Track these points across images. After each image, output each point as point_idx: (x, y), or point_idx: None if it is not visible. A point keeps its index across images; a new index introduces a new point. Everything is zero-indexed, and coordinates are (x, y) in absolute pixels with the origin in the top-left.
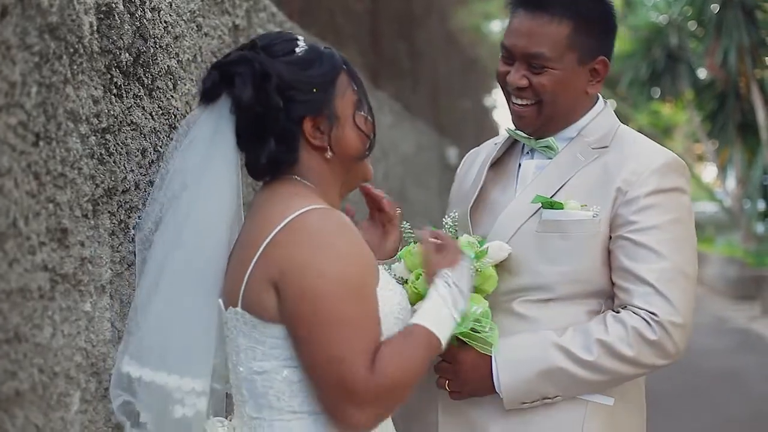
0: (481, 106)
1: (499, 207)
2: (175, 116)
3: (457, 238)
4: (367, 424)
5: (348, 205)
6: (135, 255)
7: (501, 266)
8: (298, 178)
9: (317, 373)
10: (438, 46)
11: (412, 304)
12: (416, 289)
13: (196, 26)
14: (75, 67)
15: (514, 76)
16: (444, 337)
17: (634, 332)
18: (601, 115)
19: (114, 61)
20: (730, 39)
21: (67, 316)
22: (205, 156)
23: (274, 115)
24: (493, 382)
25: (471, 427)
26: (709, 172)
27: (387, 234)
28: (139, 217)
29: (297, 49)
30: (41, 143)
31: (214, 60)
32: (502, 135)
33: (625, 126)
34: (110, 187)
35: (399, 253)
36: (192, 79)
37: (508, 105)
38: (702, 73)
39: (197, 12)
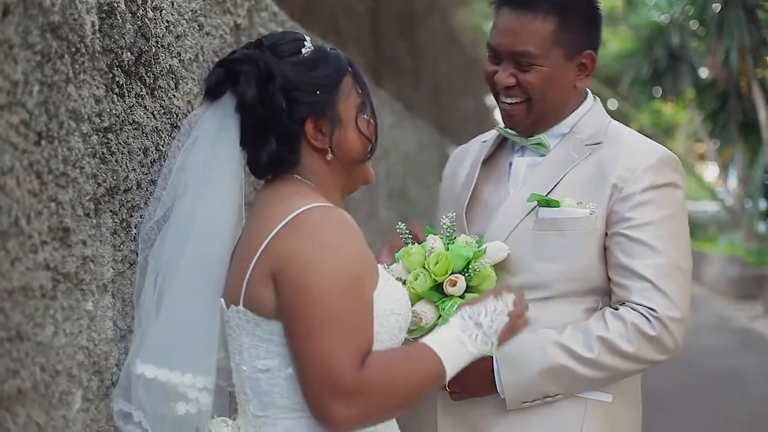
0: (482, 106)
1: (492, 206)
2: (177, 115)
3: (454, 238)
4: (347, 422)
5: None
6: (137, 254)
7: (499, 266)
8: (300, 178)
9: (305, 366)
10: (439, 46)
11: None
12: (414, 290)
13: (198, 25)
14: (77, 66)
15: (502, 75)
16: (450, 362)
17: (633, 328)
18: (592, 111)
19: (116, 61)
20: (731, 38)
21: (68, 314)
22: (210, 154)
23: (276, 115)
24: (494, 383)
25: (471, 427)
26: (710, 172)
27: None
28: (141, 216)
29: (303, 50)
30: (43, 142)
31: (216, 59)
32: (491, 132)
33: (616, 122)
34: (112, 186)
35: (397, 254)
36: (194, 79)
37: (498, 104)
38: (703, 73)
39: (199, 11)
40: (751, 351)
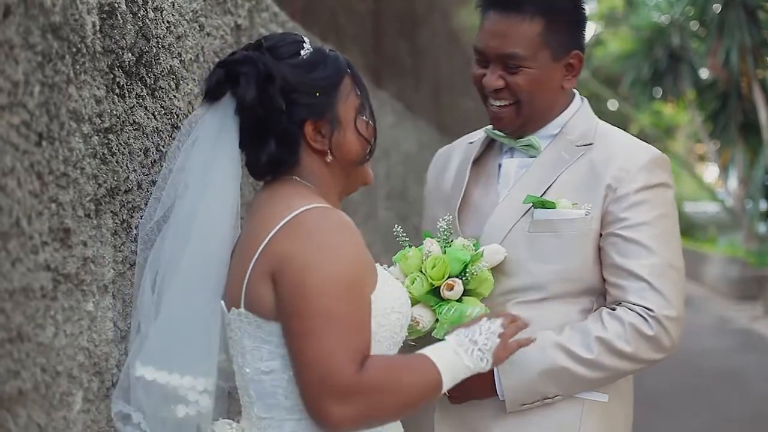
0: (483, 106)
1: (483, 208)
2: (178, 116)
3: (451, 241)
4: (345, 422)
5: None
6: (137, 254)
7: (495, 268)
8: (299, 179)
9: (304, 367)
10: (440, 45)
11: None
12: (411, 293)
13: (199, 26)
14: (78, 66)
15: (490, 78)
16: (446, 373)
17: (631, 328)
18: (580, 111)
19: (117, 61)
20: (732, 39)
21: (69, 315)
22: (209, 155)
23: (276, 117)
24: (493, 385)
25: (470, 430)
26: (710, 173)
27: None
28: (141, 216)
29: (302, 52)
30: (44, 143)
31: (217, 60)
32: (477, 133)
33: (603, 122)
34: (113, 186)
35: (394, 257)
36: (194, 79)
37: (486, 107)
38: (704, 73)
39: (199, 12)
40: (751, 352)
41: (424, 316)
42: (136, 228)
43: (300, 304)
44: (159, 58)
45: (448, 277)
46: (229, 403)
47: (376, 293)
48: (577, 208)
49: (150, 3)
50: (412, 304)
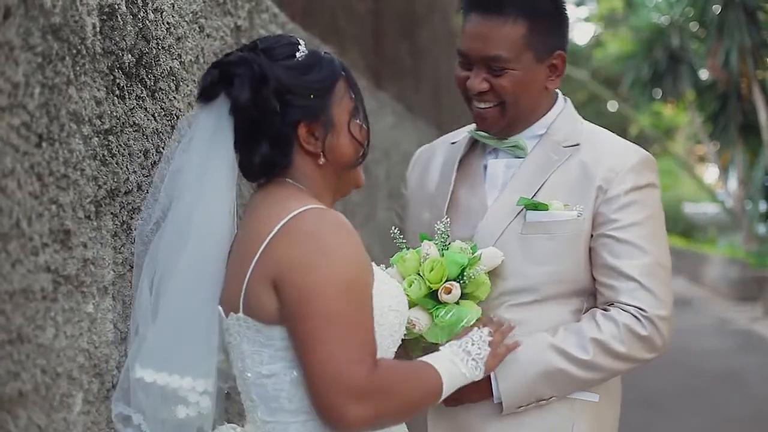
0: None
1: (471, 209)
2: (178, 117)
3: (449, 244)
4: (358, 422)
5: None
6: (135, 256)
7: (491, 271)
8: (291, 181)
9: (316, 369)
10: (440, 46)
11: None
12: (408, 295)
13: (199, 27)
14: (78, 68)
15: (474, 80)
16: (445, 379)
17: (625, 329)
18: (565, 112)
19: (117, 63)
20: (731, 40)
21: (69, 317)
22: (205, 156)
23: (269, 118)
24: (489, 388)
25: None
26: (710, 174)
27: None
28: (141, 218)
29: (297, 54)
30: (44, 144)
31: None
32: (459, 133)
33: (588, 122)
34: (113, 188)
35: (391, 259)
36: (194, 81)
37: (470, 108)
38: (703, 74)
39: (199, 13)
40: (751, 352)
41: (420, 319)
42: (135, 230)
43: (308, 307)
44: (159, 60)
45: (446, 281)
46: (227, 403)
47: (374, 292)
48: (569, 209)
49: (150, 4)
50: (409, 307)
